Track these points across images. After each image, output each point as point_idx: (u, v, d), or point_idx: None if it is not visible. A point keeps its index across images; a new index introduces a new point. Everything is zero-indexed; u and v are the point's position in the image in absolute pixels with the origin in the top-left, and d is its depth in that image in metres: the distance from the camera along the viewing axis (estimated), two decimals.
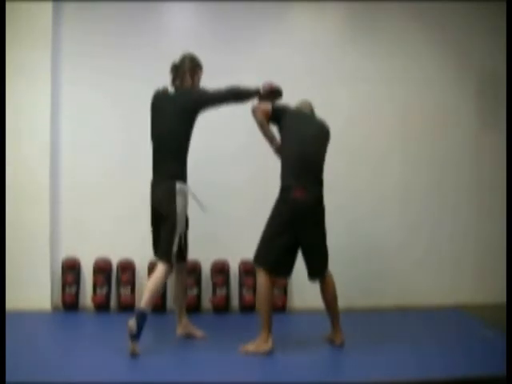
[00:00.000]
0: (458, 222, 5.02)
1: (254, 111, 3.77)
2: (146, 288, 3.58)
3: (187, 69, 3.73)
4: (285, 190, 3.66)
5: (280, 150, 3.83)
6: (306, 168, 3.68)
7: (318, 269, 3.76)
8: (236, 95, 3.74)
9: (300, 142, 3.70)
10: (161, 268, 3.61)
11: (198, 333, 3.90)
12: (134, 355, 3.43)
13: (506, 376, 2.89)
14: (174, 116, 3.64)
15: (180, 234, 3.61)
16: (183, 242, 3.68)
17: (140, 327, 3.42)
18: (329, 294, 3.78)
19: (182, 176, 3.67)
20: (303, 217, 3.63)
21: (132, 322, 3.40)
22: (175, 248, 3.59)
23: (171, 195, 3.59)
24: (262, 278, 3.63)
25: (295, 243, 3.66)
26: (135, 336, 3.42)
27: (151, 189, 3.72)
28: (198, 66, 3.78)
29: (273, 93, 3.77)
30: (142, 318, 3.44)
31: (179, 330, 3.89)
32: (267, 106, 3.75)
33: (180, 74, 3.74)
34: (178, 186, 3.61)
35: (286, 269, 3.70)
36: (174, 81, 3.78)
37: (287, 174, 3.68)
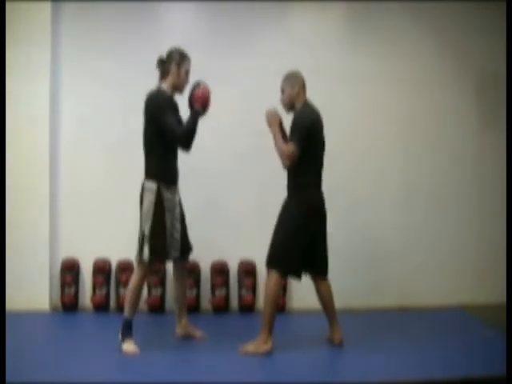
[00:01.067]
0: (460, 223, 5.01)
1: (268, 124, 3.67)
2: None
3: (174, 60, 3.65)
4: (305, 190, 3.64)
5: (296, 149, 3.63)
6: (321, 164, 3.71)
7: (326, 267, 3.76)
8: (189, 136, 3.56)
9: (322, 144, 3.70)
10: (136, 270, 3.68)
11: (198, 333, 3.89)
12: (129, 355, 3.50)
13: (506, 376, 2.88)
14: (143, 117, 3.65)
15: (143, 230, 3.60)
16: (154, 241, 3.59)
17: (125, 333, 3.58)
18: (325, 294, 3.77)
19: (153, 173, 3.62)
20: (320, 216, 3.66)
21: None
22: (146, 247, 3.57)
23: (141, 193, 3.65)
24: (274, 280, 3.59)
25: (309, 244, 3.65)
26: (123, 339, 3.57)
27: None
28: (186, 58, 3.69)
29: (205, 98, 3.60)
30: (125, 325, 3.60)
31: (179, 331, 3.89)
32: (289, 150, 3.54)
33: (166, 66, 3.67)
34: (146, 183, 3.62)
35: (299, 271, 3.69)
36: (161, 76, 3.71)
37: (307, 174, 3.64)
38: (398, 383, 3.18)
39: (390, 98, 4.94)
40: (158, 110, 3.54)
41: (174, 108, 3.68)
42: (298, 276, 3.73)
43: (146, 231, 3.59)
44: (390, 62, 4.93)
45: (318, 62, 4.80)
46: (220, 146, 4.71)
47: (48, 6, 4.56)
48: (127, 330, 3.59)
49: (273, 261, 3.63)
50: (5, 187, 4.30)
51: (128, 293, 3.65)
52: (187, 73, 3.70)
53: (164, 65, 3.69)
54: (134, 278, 3.64)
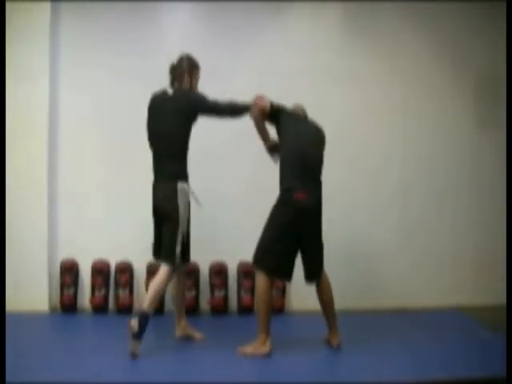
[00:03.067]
0: (457, 223, 5.03)
1: (252, 108, 3.75)
2: (149, 289, 3.57)
3: (185, 69, 3.71)
4: (286, 191, 3.65)
5: (275, 150, 3.86)
6: (306, 169, 3.68)
7: (317, 270, 3.76)
8: (233, 111, 3.78)
9: (299, 143, 3.70)
10: (164, 269, 3.60)
11: (197, 335, 3.90)
12: (134, 356, 3.44)
13: (505, 377, 2.89)
14: (173, 116, 3.63)
15: (183, 234, 3.61)
16: (185, 243, 3.67)
17: (142, 328, 3.43)
18: (325, 295, 3.77)
19: (183, 176, 3.66)
20: (305, 218, 3.63)
21: (134, 322, 3.40)
22: (179, 249, 3.58)
23: (173, 195, 3.59)
24: (261, 281, 3.61)
25: (296, 245, 3.65)
26: (137, 335, 3.42)
27: (153, 190, 3.72)
28: (196, 67, 3.76)
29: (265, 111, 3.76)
30: (144, 319, 3.45)
31: (178, 332, 3.89)
32: (265, 103, 3.73)
33: (178, 74, 3.73)
34: (180, 185, 3.61)
35: (286, 271, 3.68)
36: (172, 82, 3.77)
37: (288, 175, 3.66)
38: None
39: (388, 98, 4.96)
40: (198, 99, 3.69)
41: None
42: (287, 277, 3.71)
43: (182, 233, 3.60)
44: (387, 63, 4.96)
45: (315, 63, 4.83)
46: (217, 147, 4.72)
47: (47, 6, 4.57)
48: (143, 329, 3.43)
49: (258, 260, 3.65)
50: (5, 188, 4.30)
51: (155, 288, 3.54)
52: (197, 80, 3.77)
53: (176, 71, 3.73)
54: (162, 276, 3.57)
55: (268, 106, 3.72)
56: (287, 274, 3.70)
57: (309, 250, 3.71)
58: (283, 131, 3.75)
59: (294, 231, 3.62)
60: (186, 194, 3.65)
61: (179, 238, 3.59)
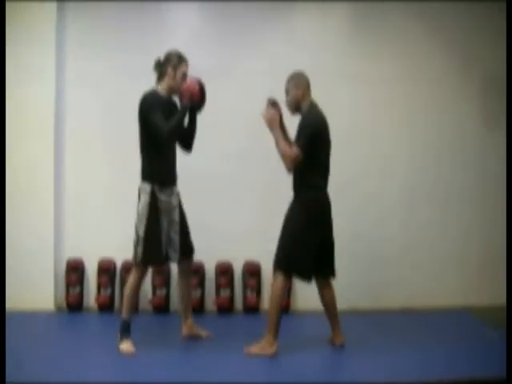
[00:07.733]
0: (465, 223, 5.00)
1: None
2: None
3: (171, 63, 3.65)
4: (311, 191, 3.63)
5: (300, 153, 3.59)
6: (328, 169, 3.70)
7: (333, 267, 3.75)
8: (175, 132, 3.60)
9: (328, 145, 3.69)
10: (132, 272, 3.68)
11: (203, 333, 3.89)
12: (126, 354, 3.52)
13: (505, 378, 2.89)
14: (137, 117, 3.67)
15: (138, 232, 3.60)
16: (155, 242, 3.61)
17: (123, 332, 3.62)
18: (329, 299, 3.76)
19: (147, 175, 3.65)
20: (327, 216, 3.67)
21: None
22: (140, 249, 3.58)
23: (138, 194, 3.66)
24: (279, 283, 3.58)
25: (318, 244, 3.64)
26: (122, 338, 3.61)
27: None
28: (183, 61, 3.68)
29: (197, 94, 3.62)
30: (123, 326, 3.64)
31: (184, 331, 3.89)
32: (292, 153, 3.55)
33: (163, 68, 3.67)
34: (141, 184, 3.65)
35: (309, 272, 3.65)
36: (157, 78, 3.73)
37: (316, 176, 3.63)
38: None
39: (394, 99, 4.93)
40: (147, 111, 3.57)
41: (168, 109, 3.65)
42: (309, 278, 3.68)
43: (141, 233, 3.60)
44: (393, 63, 4.91)
45: (320, 63, 4.79)
46: (223, 146, 4.70)
47: (54, 6, 4.57)
48: (125, 331, 3.62)
49: (280, 263, 3.61)
50: (5, 186, 4.30)
51: (125, 294, 3.68)
52: (184, 76, 3.68)
53: (161, 67, 3.70)
54: (130, 280, 3.67)
55: (297, 154, 3.53)
56: (310, 276, 3.68)
57: (329, 248, 3.71)
58: (319, 144, 3.62)
59: (318, 231, 3.61)
60: (147, 194, 3.61)
61: (139, 237, 3.59)
